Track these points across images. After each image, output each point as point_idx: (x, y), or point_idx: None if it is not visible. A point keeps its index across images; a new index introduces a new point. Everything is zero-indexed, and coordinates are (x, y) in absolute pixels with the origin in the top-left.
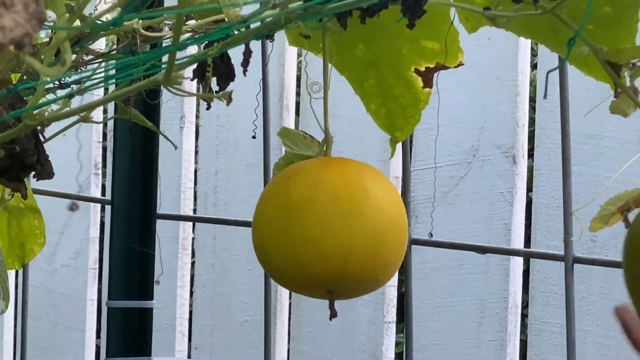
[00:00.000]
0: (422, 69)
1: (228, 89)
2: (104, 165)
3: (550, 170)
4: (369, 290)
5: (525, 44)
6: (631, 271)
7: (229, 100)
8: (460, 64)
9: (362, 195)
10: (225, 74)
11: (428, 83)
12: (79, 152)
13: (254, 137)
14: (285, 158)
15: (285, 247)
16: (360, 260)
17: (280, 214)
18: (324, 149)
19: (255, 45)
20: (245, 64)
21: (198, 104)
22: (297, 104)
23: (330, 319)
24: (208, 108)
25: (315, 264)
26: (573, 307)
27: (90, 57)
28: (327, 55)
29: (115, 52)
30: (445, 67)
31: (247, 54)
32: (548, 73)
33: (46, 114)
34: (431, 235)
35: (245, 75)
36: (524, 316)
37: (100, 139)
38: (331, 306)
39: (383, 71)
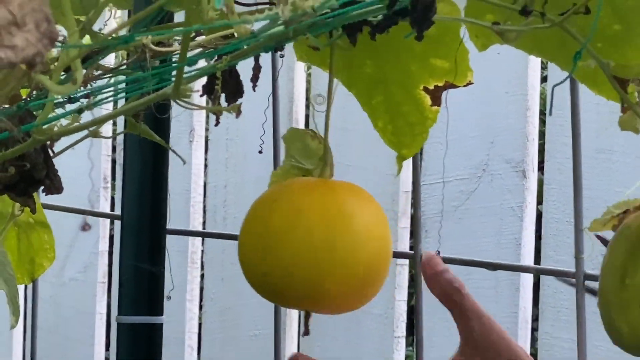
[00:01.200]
0: (431, 87)
1: (239, 105)
2: (113, 179)
3: (560, 185)
4: (349, 309)
5: (535, 57)
6: (608, 256)
7: (239, 113)
8: (470, 83)
9: (342, 226)
10: (234, 90)
11: (436, 101)
12: (91, 170)
13: (260, 152)
14: (283, 169)
15: (263, 275)
16: (334, 295)
17: (259, 241)
18: (324, 165)
19: (265, 60)
20: (254, 79)
21: (207, 118)
22: (307, 116)
23: (303, 335)
24: (217, 124)
25: (288, 294)
26: (584, 324)
27: (99, 72)
28: (333, 71)
29: (124, 67)
30: (455, 86)
31: (257, 69)
32: (554, 87)
33: (55, 128)
34: (439, 252)
35: (254, 90)
36: (534, 330)
37: (110, 152)
38: (306, 324)
39: (391, 88)
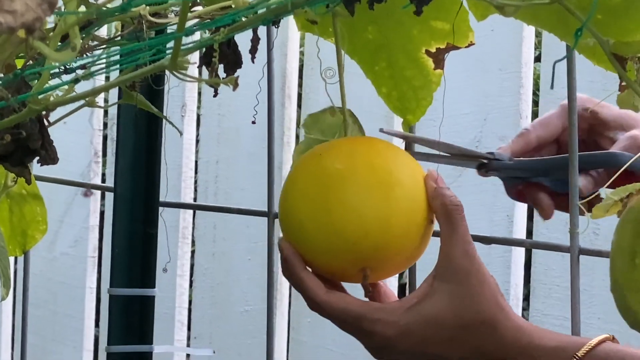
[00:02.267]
0: (433, 50)
1: (236, 78)
2: (104, 154)
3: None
4: (400, 269)
5: (529, 35)
6: (616, 240)
7: (236, 85)
8: (471, 44)
9: (397, 167)
10: (232, 61)
11: (439, 64)
12: (77, 138)
13: (253, 122)
14: (306, 142)
15: (322, 222)
16: (400, 234)
17: (314, 187)
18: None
19: (259, 32)
20: (253, 50)
21: (200, 93)
22: (300, 95)
23: (366, 295)
24: (215, 95)
25: (354, 238)
26: (578, 299)
27: (95, 43)
28: (338, 39)
29: (119, 38)
30: (456, 47)
31: (255, 40)
32: (555, 63)
33: (51, 98)
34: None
35: (253, 62)
36: (524, 308)
37: (101, 127)
38: (365, 282)
39: (394, 53)
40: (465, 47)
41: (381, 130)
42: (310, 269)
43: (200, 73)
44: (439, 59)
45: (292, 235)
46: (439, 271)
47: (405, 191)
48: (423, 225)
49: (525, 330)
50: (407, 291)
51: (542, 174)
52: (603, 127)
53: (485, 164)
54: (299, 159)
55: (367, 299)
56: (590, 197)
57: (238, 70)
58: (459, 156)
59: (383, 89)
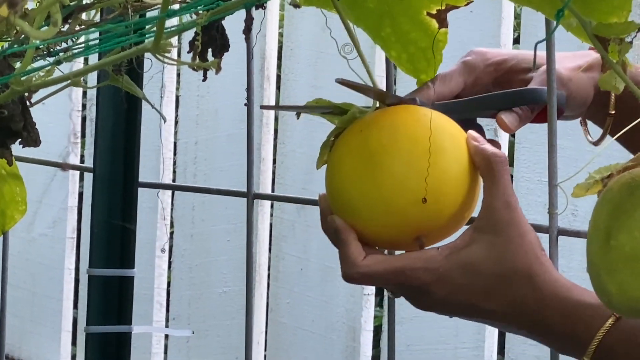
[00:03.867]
0: (434, 11)
1: (219, 61)
2: (83, 136)
3: (532, 143)
4: (453, 232)
5: (508, 16)
6: (593, 220)
7: (219, 69)
8: (470, 2)
9: (439, 133)
10: (221, 45)
11: (443, 23)
12: (56, 119)
13: (246, 104)
14: (336, 131)
15: (373, 196)
16: (451, 199)
17: (361, 163)
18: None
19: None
20: (247, 30)
21: (179, 75)
22: (278, 76)
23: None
24: (204, 79)
25: (408, 210)
26: None
27: (82, 27)
28: (341, 12)
29: (102, 22)
30: (456, 7)
31: (249, 20)
32: (537, 44)
33: (34, 79)
34: None
35: (247, 42)
36: None
37: (80, 109)
38: (421, 249)
39: (397, 18)
40: (465, 5)
41: (337, 81)
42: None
43: (179, 54)
44: (441, 18)
45: (344, 213)
46: (479, 223)
47: (450, 155)
48: (471, 186)
49: (564, 285)
50: None
51: (460, 113)
52: (511, 73)
53: None
54: (340, 138)
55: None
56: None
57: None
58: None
59: (392, 53)
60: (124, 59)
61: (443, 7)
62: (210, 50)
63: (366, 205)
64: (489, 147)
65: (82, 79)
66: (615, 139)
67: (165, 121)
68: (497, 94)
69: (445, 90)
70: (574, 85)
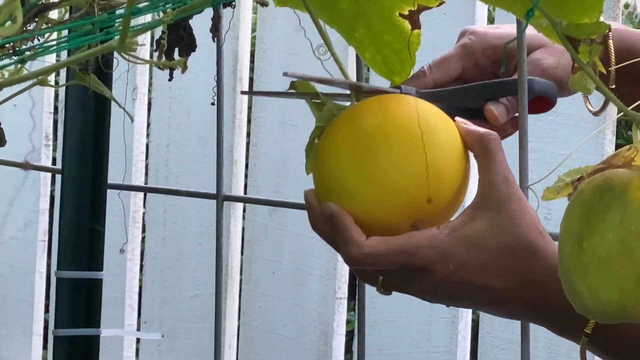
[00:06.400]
0: (406, 12)
1: (185, 60)
2: (55, 138)
3: (503, 144)
4: (447, 218)
5: (482, 19)
6: (565, 223)
7: (185, 68)
8: (442, 3)
9: (431, 117)
10: (188, 44)
11: (416, 25)
12: (27, 120)
13: (212, 103)
14: (317, 131)
15: (371, 183)
16: (449, 181)
17: (357, 146)
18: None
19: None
20: (214, 29)
21: (151, 77)
22: (251, 78)
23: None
24: (170, 79)
25: (408, 193)
26: None
27: (48, 25)
28: (312, 12)
29: (70, 21)
30: (428, 7)
31: (217, 18)
32: (506, 45)
33: None
34: None
35: (214, 41)
36: None
37: (52, 110)
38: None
39: (371, 20)
40: (437, 6)
41: (285, 74)
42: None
43: (152, 56)
44: (414, 20)
45: (339, 200)
46: (478, 200)
47: (445, 137)
48: (465, 169)
49: None
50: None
51: (445, 102)
52: (510, 55)
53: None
54: (330, 125)
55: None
56: (540, 181)
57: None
58: (369, 94)
59: (366, 55)
60: (89, 57)
61: (415, 8)
62: (177, 49)
63: (364, 188)
64: (480, 128)
65: (48, 77)
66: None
67: (132, 120)
68: (484, 83)
69: (443, 76)
70: (562, 71)
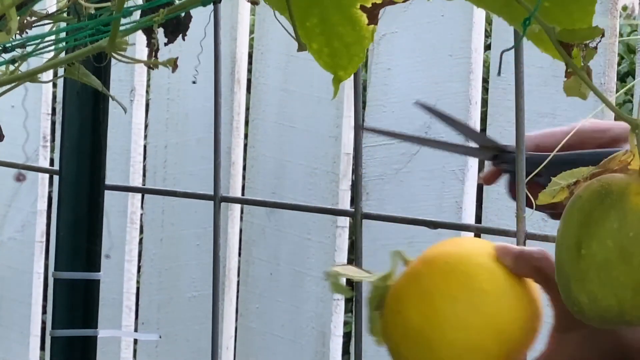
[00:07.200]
0: (369, 5)
1: (175, 59)
2: (53, 140)
3: None
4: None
5: (480, 21)
6: (562, 229)
7: (175, 67)
8: None
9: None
10: (175, 24)
11: (373, 20)
12: (24, 121)
13: (194, 82)
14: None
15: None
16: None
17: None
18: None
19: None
20: (184, 28)
21: (149, 78)
22: (249, 80)
23: None
24: (174, 71)
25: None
26: None
27: (34, 18)
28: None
29: (60, 13)
30: (393, 2)
31: (187, 18)
32: (502, 52)
33: None
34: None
35: (184, 39)
36: None
37: (49, 111)
38: None
39: (327, 10)
40: (403, 1)
41: (417, 104)
42: None
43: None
44: (373, 14)
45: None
46: (559, 323)
47: (501, 292)
48: (526, 317)
49: None
50: None
51: (551, 170)
52: (614, 141)
53: (499, 156)
54: (398, 281)
55: None
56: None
57: (186, 54)
58: (465, 148)
59: (314, 45)
60: (80, 57)
61: (380, 1)
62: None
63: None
64: (526, 251)
65: (39, 77)
66: None
67: (125, 112)
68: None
69: (552, 142)
70: None
